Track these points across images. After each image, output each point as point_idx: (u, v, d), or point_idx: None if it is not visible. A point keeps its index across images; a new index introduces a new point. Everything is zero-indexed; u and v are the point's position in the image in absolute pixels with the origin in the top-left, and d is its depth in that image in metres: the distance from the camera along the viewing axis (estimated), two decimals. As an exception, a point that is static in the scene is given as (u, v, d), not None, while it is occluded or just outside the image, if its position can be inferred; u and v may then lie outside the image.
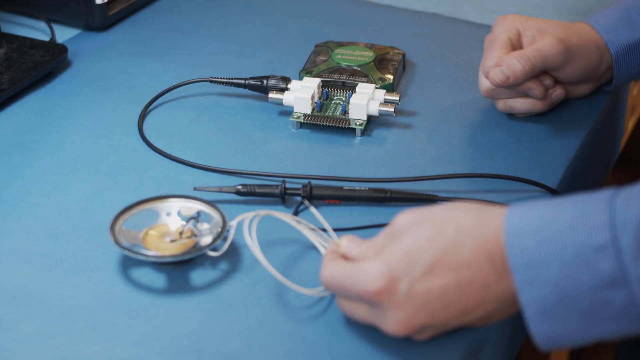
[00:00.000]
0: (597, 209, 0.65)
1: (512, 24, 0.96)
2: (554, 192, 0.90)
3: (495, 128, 1.00)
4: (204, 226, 0.82)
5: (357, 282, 0.70)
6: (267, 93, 1.02)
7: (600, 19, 0.97)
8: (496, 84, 0.93)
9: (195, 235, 0.81)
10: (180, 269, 0.80)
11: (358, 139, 0.98)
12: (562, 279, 0.65)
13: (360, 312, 0.72)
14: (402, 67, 1.09)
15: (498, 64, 0.93)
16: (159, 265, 0.80)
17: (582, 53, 0.95)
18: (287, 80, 1.02)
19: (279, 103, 1.01)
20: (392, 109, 0.98)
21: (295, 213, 0.84)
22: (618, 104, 1.14)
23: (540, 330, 0.67)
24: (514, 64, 0.92)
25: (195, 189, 0.86)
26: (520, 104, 0.97)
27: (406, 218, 0.71)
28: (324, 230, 0.80)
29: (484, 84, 0.96)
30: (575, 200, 0.67)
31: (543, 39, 0.94)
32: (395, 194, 0.87)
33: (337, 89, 1.01)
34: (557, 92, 0.98)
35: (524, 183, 0.91)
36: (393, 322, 0.70)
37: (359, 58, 1.07)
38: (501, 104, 0.98)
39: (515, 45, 0.96)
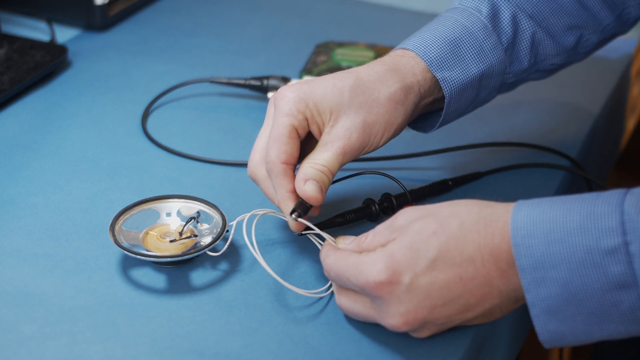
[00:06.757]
0: (607, 211, 0.65)
1: (298, 109, 0.78)
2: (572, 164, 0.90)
3: (495, 128, 1.00)
4: (204, 226, 0.82)
5: (360, 273, 0.70)
6: (267, 93, 1.02)
7: (431, 52, 0.82)
8: (318, 201, 0.77)
9: (195, 236, 0.81)
10: (180, 269, 0.80)
11: None
12: (570, 281, 0.66)
13: (360, 307, 0.72)
14: (402, 67, 1.09)
15: (306, 177, 0.77)
16: (159, 265, 0.80)
17: (383, 126, 0.80)
18: (287, 80, 1.02)
19: (279, 103, 1.00)
20: (392, 109, 0.98)
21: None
22: (619, 102, 1.14)
23: (545, 328, 0.67)
24: (321, 178, 0.77)
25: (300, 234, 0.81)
26: None
27: (410, 214, 0.71)
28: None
29: (275, 182, 0.78)
30: (584, 201, 0.67)
31: (335, 138, 0.78)
32: (455, 180, 0.90)
33: (337, 89, 1.01)
34: None
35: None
36: (393, 316, 0.70)
37: (359, 58, 1.07)
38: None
39: (302, 135, 0.79)
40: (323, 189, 0.77)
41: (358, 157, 0.85)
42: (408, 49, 0.83)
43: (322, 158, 0.77)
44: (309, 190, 0.76)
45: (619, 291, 0.65)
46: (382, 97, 0.79)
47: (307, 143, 0.80)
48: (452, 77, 0.82)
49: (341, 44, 1.10)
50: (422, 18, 1.22)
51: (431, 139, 0.97)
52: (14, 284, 0.78)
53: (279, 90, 0.80)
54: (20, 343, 0.72)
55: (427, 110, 0.86)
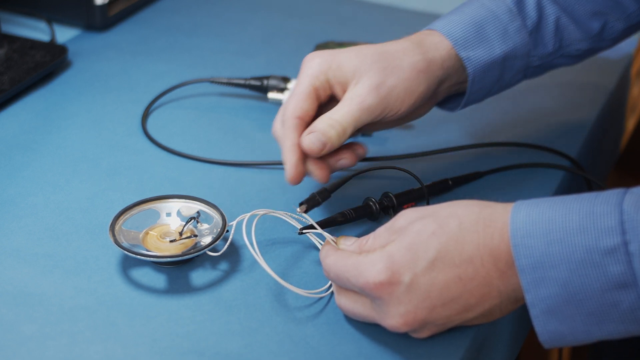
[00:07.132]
0: (606, 211, 0.65)
1: (321, 70, 0.82)
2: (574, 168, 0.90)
3: (495, 128, 1.00)
4: (204, 226, 0.82)
5: (359, 274, 0.70)
6: (267, 93, 1.02)
7: (456, 32, 0.85)
8: (313, 153, 0.80)
9: (195, 236, 0.81)
10: (180, 269, 0.80)
11: (359, 139, 0.98)
12: (570, 281, 0.66)
13: (360, 308, 0.72)
14: (402, 67, 1.09)
15: (313, 129, 0.80)
16: (159, 265, 0.80)
17: (403, 92, 0.82)
18: (287, 80, 1.02)
19: (279, 103, 1.01)
20: (392, 109, 0.98)
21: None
22: (619, 102, 1.14)
23: (545, 328, 0.67)
24: (328, 131, 0.80)
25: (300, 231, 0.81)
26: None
27: (409, 215, 0.72)
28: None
29: (290, 135, 0.81)
30: (583, 200, 0.67)
31: (354, 95, 0.81)
32: (455, 180, 0.90)
33: (337, 89, 1.01)
34: (343, 162, 0.84)
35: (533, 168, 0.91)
36: (393, 316, 0.70)
37: (359, 58, 1.07)
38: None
39: (322, 96, 0.82)
40: (326, 144, 0.80)
41: (380, 127, 0.88)
42: (434, 30, 0.86)
43: (337, 113, 0.81)
44: (305, 140, 0.80)
45: (619, 291, 0.65)
46: (404, 64, 0.82)
47: (331, 107, 0.82)
48: (476, 56, 0.85)
49: (341, 44, 1.10)
50: (422, 18, 1.22)
51: (431, 139, 0.97)
52: (14, 284, 0.78)
53: (308, 54, 0.84)
54: (20, 343, 0.72)
55: (453, 93, 0.89)
